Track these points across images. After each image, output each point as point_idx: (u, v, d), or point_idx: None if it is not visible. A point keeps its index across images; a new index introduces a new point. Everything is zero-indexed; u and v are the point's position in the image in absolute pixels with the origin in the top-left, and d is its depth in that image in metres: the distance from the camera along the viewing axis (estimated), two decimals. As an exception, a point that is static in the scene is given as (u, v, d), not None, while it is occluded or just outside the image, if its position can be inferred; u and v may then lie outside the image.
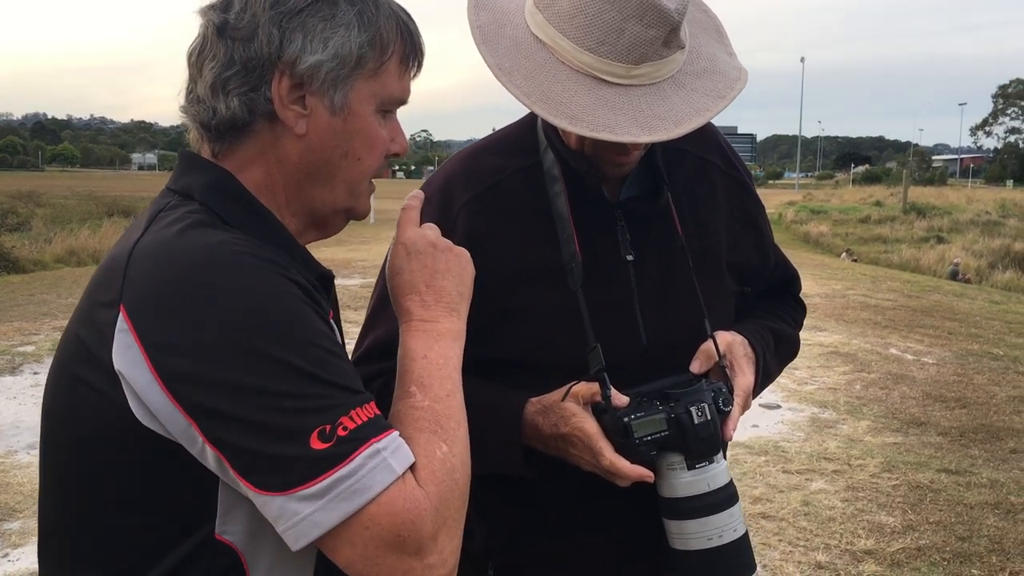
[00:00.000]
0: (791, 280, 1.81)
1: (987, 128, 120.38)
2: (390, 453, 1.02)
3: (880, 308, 12.39)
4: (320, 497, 0.99)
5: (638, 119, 1.34)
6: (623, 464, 1.39)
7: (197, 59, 1.16)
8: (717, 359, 1.51)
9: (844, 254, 27.64)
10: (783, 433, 6.57)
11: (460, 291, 1.25)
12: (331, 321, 1.13)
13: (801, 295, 1.86)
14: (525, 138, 1.61)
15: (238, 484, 1.01)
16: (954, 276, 23.21)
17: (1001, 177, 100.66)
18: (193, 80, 1.17)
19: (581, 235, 1.51)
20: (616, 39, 1.33)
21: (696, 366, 1.51)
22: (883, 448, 6.23)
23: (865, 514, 5.09)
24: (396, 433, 1.05)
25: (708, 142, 1.67)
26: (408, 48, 1.21)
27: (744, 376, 1.54)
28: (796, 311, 1.81)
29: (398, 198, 1.49)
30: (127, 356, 1.02)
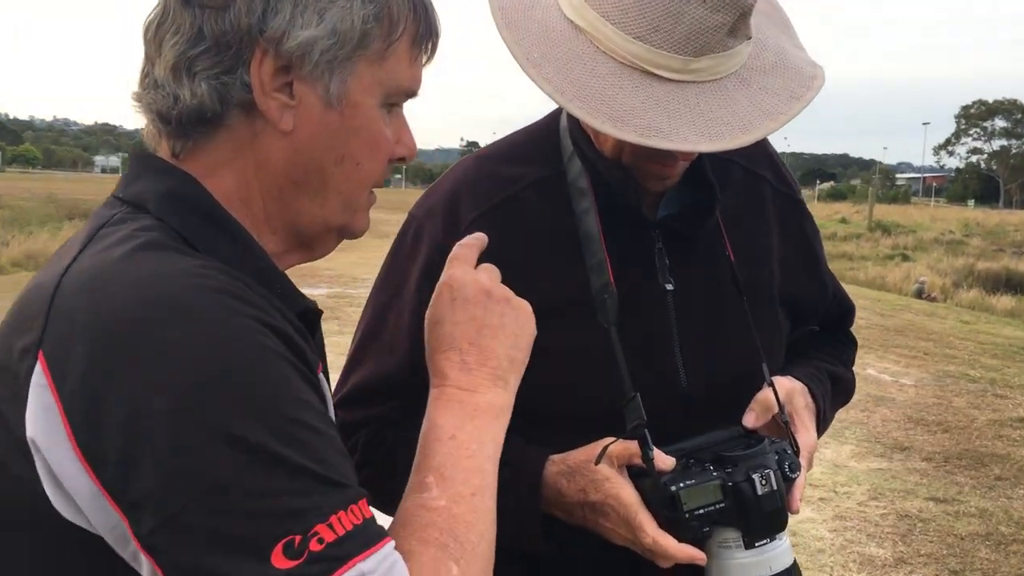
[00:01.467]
0: (846, 314, 1.57)
1: (950, 148, 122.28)
2: None
3: (854, 327, 12.26)
4: None
5: (697, 123, 1.10)
6: (669, 543, 1.14)
7: (156, 33, 0.90)
8: (776, 411, 1.27)
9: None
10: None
11: (512, 356, 1.00)
12: (319, 377, 0.87)
13: None
14: (546, 143, 1.35)
15: None
16: (919, 294, 23.28)
17: (963, 196, 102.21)
18: (151, 60, 0.91)
19: (613, 260, 1.26)
20: (673, 25, 1.08)
21: (751, 419, 1.26)
22: (869, 474, 6.05)
23: (855, 545, 4.89)
24: (390, 545, 0.79)
25: (758, 153, 1.43)
26: (422, 28, 0.95)
27: (807, 432, 1.29)
28: (848, 348, 1.58)
29: (392, 209, 1.20)
30: (44, 421, 0.75)
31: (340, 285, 13.45)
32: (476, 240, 1.08)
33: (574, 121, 1.30)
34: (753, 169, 1.41)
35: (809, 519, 5.21)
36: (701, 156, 1.30)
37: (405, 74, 0.95)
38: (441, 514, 0.85)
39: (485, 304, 1.00)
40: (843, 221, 51.12)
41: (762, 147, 1.43)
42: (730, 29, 1.10)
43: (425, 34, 0.96)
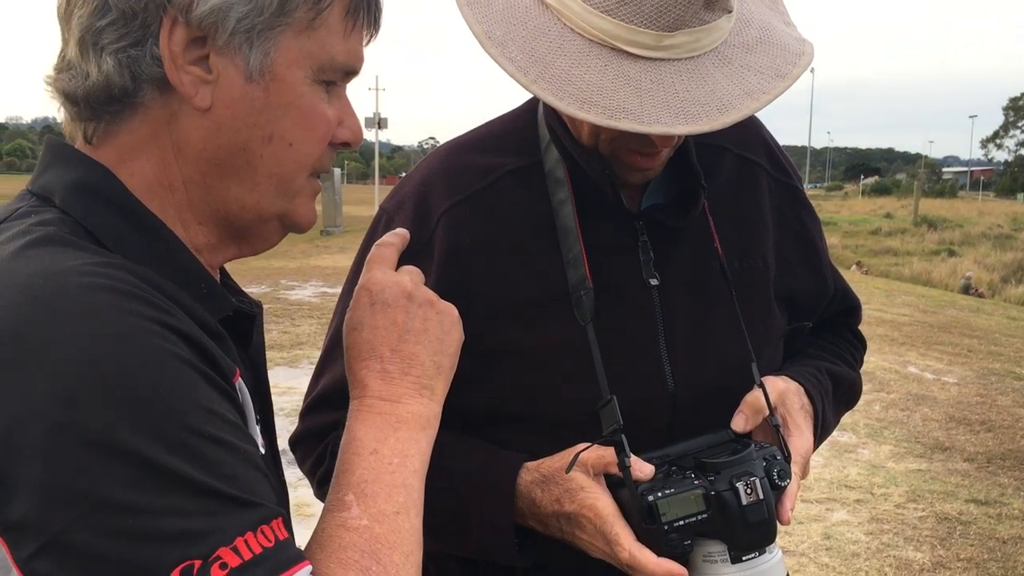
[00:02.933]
0: (851, 311, 1.47)
1: (998, 140, 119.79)
2: None
3: (896, 323, 12.02)
4: None
5: (671, 104, 1.01)
6: (647, 558, 1.06)
7: (66, 9, 0.83)
8: (767, 414, 1.18)
9: (855, 266, 27.29)
10: (802, 458, 6.22)
11: (437, 362, 0.93)
12: (236, 385, 0.80)
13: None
14: (523, 132, 1.28)
15: None
16: (966, 290, 22.84)
17: (1012, 190, 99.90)
18: (65, 41, 0.85)
19: (592, 254, 1.18)
20: None
21: (740, 422, 1.18)
22: (907, 475, 5.88)
23: (891, 549, 4.74)
24: (307, 570, 0.72)
25: (752, 139, 1.34)
26: None
27: (801, 436, 1.20)
28: (855, 348, 1.47)
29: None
30: None
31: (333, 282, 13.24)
32: (396, 238, 1.01)
33: (550, 108, 1.23)
34: (746, 155, 1.32)
35: (844, 521, 5.07)
36: (687, 142, 1.22)
37: (339, 47, 0.86)
38: (362, 534, 0.78)
39: (407, 308, 0.93)
40: (888, 216, 50.43)
41: (756, 132, 1.35)
42: (706, 1, 1.01)
43: (360, 4, 0.88)
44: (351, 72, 0.89)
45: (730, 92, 1.04)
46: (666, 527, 1.06)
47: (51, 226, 0.77)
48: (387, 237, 1.02)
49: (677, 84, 1.03)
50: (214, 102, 0.82)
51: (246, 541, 0.68)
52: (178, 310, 0.75)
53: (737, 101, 1.03)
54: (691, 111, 1.02)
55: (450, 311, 0.96)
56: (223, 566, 0.66)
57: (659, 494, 1.06)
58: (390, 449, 0.85)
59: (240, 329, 0.90)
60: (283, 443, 1.04)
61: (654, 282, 1.22)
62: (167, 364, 0.70)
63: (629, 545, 1.06)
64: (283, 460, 0.99)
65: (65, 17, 0.83)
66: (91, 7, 0.80)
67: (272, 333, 8.86)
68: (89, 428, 0.65)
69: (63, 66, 0.84)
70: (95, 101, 0.82)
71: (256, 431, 0.86)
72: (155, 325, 0.71)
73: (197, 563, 0.65)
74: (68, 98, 0.83)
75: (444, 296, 1.20)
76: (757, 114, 1.37)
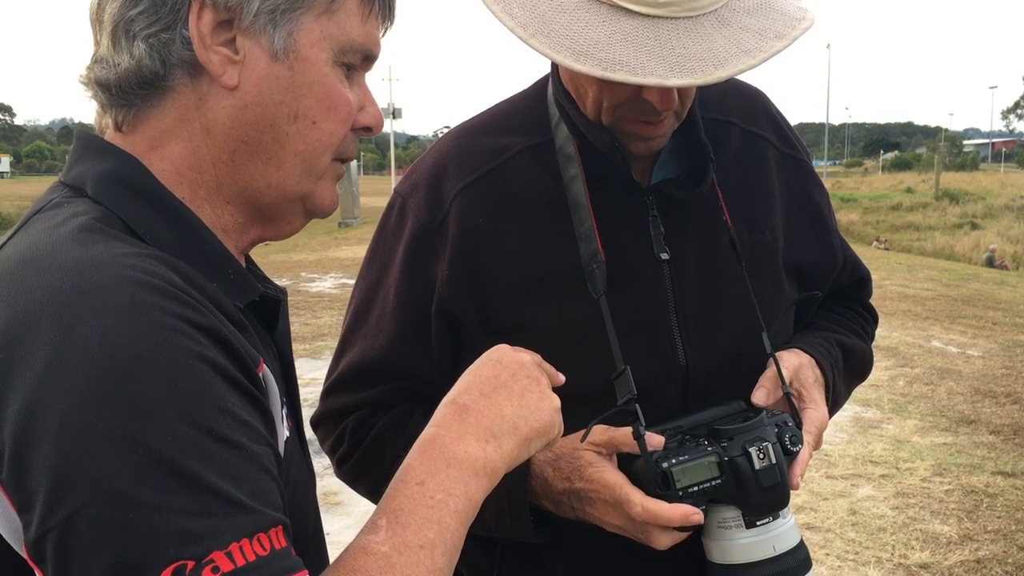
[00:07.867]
0: (861, 283, 1.48)
1: (1019, 111, 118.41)
2: None
3: (919, 298, 11.95)
4: None
5: (667, 58, 1.02)
6: (659, 507, 1.07)
7: (98, 10, 0.87)
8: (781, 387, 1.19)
9: (876, 242, 27.11)
10: (824, 434, 6.20)
11: (516, 423, 0.92)
12: (260, 374, 0.80)
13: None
14: (533, 111, 1.29)
15: None
16: (990, 263, 22.66)
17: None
18: (97, 42, 0.88)
19: (604, 228, 1.20)
20: None
21: (761, 396, 1.19)
22: (932, 449, 5.87)
23: (918, 523, 4.73)
24: None
25: (758, 113, 1.35)
26: None
27: (816, 408, 1.22)
28: (866, 320, 1.48)
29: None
30: None
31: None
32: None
33: (559, 86, 1.24)
34: (752, 130, 1.33)
35: (870, 496, 5.07)
36: (693, 115, 1.23)
37: (358, 30, 0.89)
38: (377, 561, 0.77)
39: (515, 372, 0.95)
40: (909, 191, 50.02)
41: (763, 107, 1.36)
42: None
43: None
44: (370, 56, 0.91)
45: (727, 50, 1.05)
46: (680, 493, 1.08)
47: (85, 215, 0.79)
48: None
49: (674, 40, 1.04)
50: (241, 81, 0.85)
51: (241, 547, 0.67)
52: (207, 303, 0.76)
53: (733, 58, 1.04)
54: (686, 65, 1.03)
55: (553, 399, 0.96)
56: (215, 570, 0.65)
57: (673, 461, 1.08)
58: (437, 484, 0.84)
59: (266, 315, 0.92)
60: (308, 433, 1.06)
61: (665, 256, 1.23)
62: (185, 362, 0.70)
63: (640, 500, 1.08)
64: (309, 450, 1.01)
65: (97, 17, 0.86)
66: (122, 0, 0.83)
67: (294, 325, 8.92)
68: (101, 418, 0.66)
69: (95, 60, 0.87)
70: (127, 86, 0.84)
71: (283, 414, 0.87)
72: (180, 322, 0.72)
73: (190, 564, 0.65)
74: (101, 85, 0.86)
75: (459, 275, 1.22)
76: (766, 91, 1.39)
